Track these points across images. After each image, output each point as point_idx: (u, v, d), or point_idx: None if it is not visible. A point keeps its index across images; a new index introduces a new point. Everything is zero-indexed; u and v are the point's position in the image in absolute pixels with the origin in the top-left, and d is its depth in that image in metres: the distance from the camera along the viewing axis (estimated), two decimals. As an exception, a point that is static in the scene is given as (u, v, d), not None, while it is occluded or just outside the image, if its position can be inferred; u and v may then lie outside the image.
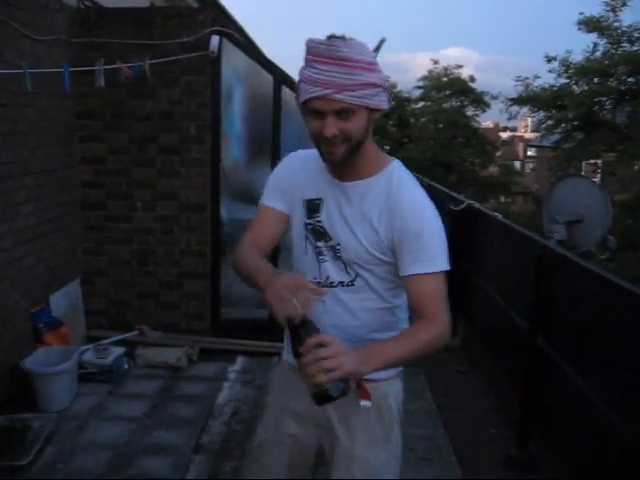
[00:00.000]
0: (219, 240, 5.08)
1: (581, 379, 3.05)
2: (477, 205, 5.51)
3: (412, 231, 1.65)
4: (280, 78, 5.00)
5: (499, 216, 5.37)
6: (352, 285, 1.76)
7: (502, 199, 29.09)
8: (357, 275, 1.75)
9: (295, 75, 1.70)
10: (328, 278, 1.77)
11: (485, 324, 4.99)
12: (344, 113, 1.56)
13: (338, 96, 1.53)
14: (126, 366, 4.52)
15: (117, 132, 4.94)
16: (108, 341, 4.62)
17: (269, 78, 4.96)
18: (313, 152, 1.77)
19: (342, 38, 1.58)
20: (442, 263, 1.67)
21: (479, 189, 24.40)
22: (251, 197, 4.29)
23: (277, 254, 4.30)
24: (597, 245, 5.09)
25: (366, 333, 1.77)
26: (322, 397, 1.45)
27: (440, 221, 1.71)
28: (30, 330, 4.22)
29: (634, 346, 2.61)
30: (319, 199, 1.78)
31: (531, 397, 3.61)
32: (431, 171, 21.15)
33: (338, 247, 1.75)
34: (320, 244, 1.78)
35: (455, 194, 6.21)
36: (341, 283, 1.77)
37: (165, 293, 5.13)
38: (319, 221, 1.78)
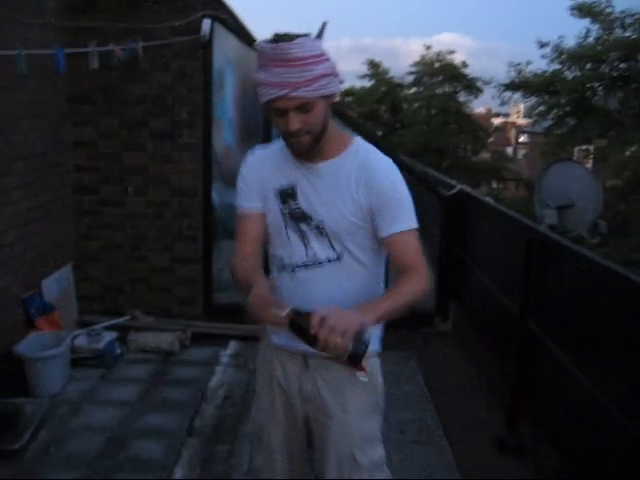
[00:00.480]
0: (211, 225, 5.08)
1: (571, 362, 3.07)
2: (468, 190, 5.51)
3: (391, 196, 1.80)
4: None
5: (490, 201, 5.38)
6: (338, 259, 1.85)
7: (494, 185, 29.14)
8: (342, 248, 1.84)
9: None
10: (315, 256, 1.85)
11: (476, 308, 5.01)
12: (304, 107, 1.67)
13: (295, 94, 1.64)
14: (118, 351, 4.52)
15: (109, 116, 4.91)
16: (100, 326, 4.64)
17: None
18: (273, 145, 1.93)
19: (288, 35, 1.64)
20: (415, 221, 1.84)
21: (471, 175, 24.41)
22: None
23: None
24: (588, 230, 5.12)
25: (356, 306, 1.83)
26: (353, 359, 1.56)
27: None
28: (22, 315, 4.21)
29: (624, 329, 2.64)
30: (292, 185, 1.86)
31: (522, 380, 3.64)
32: (423, 156, 21.14)
33: (322, 224, 1.82)
34: (303, 226, 1.85)
35: (447, 179, 6.21)
36: (328, 259, 1.85)
37: (157, 278, 5.14)
38: (297, 205, 1.85)
